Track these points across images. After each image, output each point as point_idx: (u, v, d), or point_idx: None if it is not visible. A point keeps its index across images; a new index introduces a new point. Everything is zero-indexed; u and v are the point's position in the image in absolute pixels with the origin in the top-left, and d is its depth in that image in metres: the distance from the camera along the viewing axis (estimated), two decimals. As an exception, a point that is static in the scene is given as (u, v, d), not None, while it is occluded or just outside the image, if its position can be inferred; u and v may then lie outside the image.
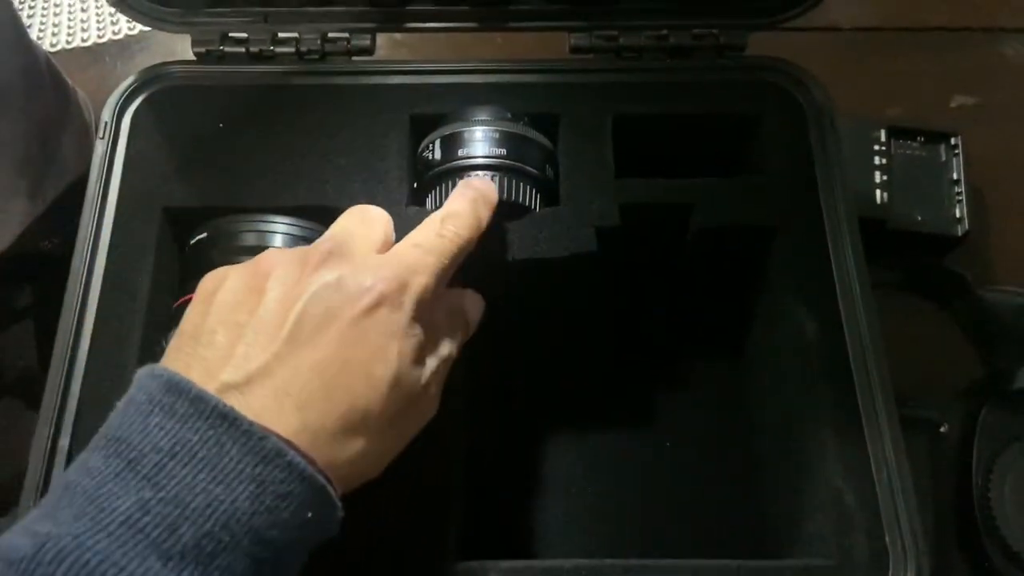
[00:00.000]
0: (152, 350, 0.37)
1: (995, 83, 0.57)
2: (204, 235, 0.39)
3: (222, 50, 0.43)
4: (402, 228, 0.39)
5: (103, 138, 0.40)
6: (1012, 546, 0.37)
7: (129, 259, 0.38)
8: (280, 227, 0.39)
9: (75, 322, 0.36)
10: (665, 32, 0.43)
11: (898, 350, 0.47)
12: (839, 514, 0.34)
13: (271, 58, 0.43)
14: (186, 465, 0.24)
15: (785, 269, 0.39)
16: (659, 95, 0.42)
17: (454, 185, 0.39)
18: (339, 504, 0.27)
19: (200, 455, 0.24)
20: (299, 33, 0.43)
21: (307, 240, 0.39)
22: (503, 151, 0.39)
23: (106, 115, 0.41)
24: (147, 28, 0.60)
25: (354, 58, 0.43)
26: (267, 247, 0.38)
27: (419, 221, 0.38)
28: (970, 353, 0.48)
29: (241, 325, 0.28)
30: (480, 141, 0.40)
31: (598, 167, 0.40)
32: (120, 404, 0.26)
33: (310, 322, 0.28)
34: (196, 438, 0.24)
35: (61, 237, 0.46)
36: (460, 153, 0.39)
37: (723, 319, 0.45)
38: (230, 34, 0.43)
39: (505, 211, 0.39)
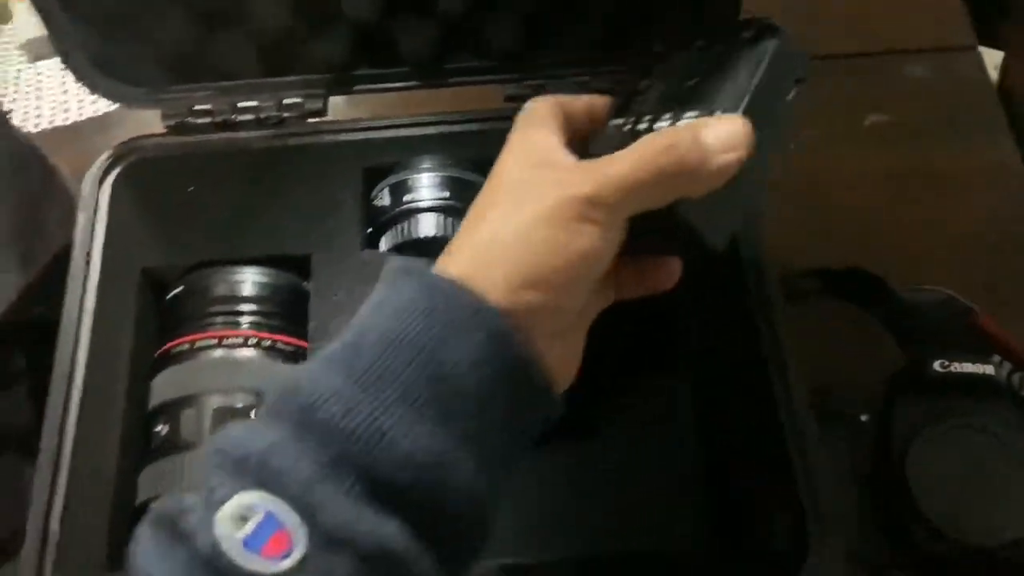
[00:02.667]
0: (135, 397, 0.40)
1: (903, 102, 0.63)
2: (180, 288, 0.43)
3: (189, 122, 0.47)
4: (359, 271, 0.43)
5: (83, 211, 0.44)
6: (931, 520, 0.40)
7: (113, 317, 0.42)
8: (248, 276, 0.43)
9: (67, 370, 0.40)
10: (587, 79, 0.47)
11: (824, 351, 0.52)
12: (762, 503, 0.37)
13: (234, 126, 0.47)
14: (374, 314, 0.26)
15: (698, 272, 0.43)
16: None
17: (405, 228, 0.44)
18: (533, 358, 0.26)
19: (386, 301, 0.27)
20: (258, 102, 0.47)
21: (275, 287, 0.43)
22: (446, 193, 0.44)
23: (85, 188, 0.45)
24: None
25: (309, 120, 0.47)
26: (237, 296, 0.43)
27: (372, 264, 0.43)
28: (893, 350, 0.52)
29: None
30: (425, 186, 0.44)
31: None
32: None
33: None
34: (387, 291, 0.27)
35: (50, 303, 0.49)
36: (406, 199, 0.44)
37: (659, 330, 0.48)
38: (196, 107, 0.47)
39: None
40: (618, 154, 0.28)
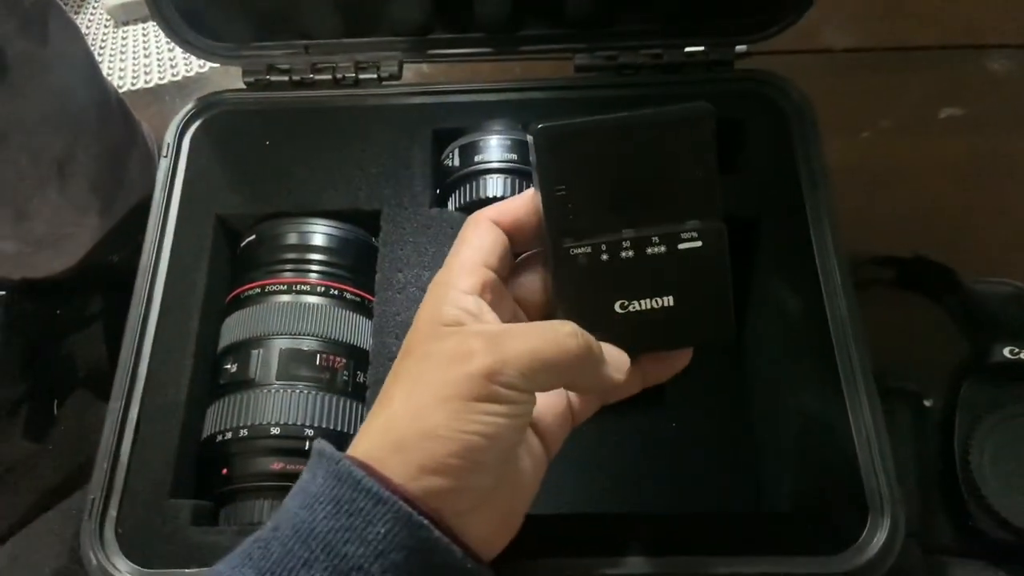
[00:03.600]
0: (206, 338, 0.42)
1: (981, 95, 0.61)
2: (253, 237, 0.44)
3: (268, 79, 0.48)
4: (426, 226, 0.44)
5: (166, 156, 0.46)
6: (992, 505, 0.39)
7: (188, 259, 0.43)
8: (319, 228, 0.44)
9: (143, 310, 0.41)
10: (659, 51, 0.48)
11: (889, 338, 0.51)
12: (824, 470, 0.37)
13: (311, 84, 0.48)
14: (291, 501, 0.27)
15: (770, 256, 0.43)
16: (654, 106, 0.47)
17: (472, 188, 0.44)
18: (441, 541, 0.26)
19: (302, 488, 0.27)
20: (335, 62, 0.48)
21: (344, 240, 0.44)
22: (514, 156, 0.44)
23: (168, 137, 0.47)
24: (203, 70, 0.67)
25: (384, 83, 0.48)
26: (308, 245, 0.44)
27: (441, 220, 0.44)
28: (959, 342, 0.51)
29: None
30: (494, 148, 0.45)
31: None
32: None
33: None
34: (306, 475, 0.28)
35: (127, 252, 0.51)
36: (476, 159, 0.44)
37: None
38: (276, 65, 0.49)
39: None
40: (523, 326, 0.28)
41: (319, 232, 0.44)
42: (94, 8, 0.71)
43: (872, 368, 0.39)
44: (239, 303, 0.42)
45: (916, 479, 0.41)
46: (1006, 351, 0.43)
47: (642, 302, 0.31)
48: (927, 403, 0.44)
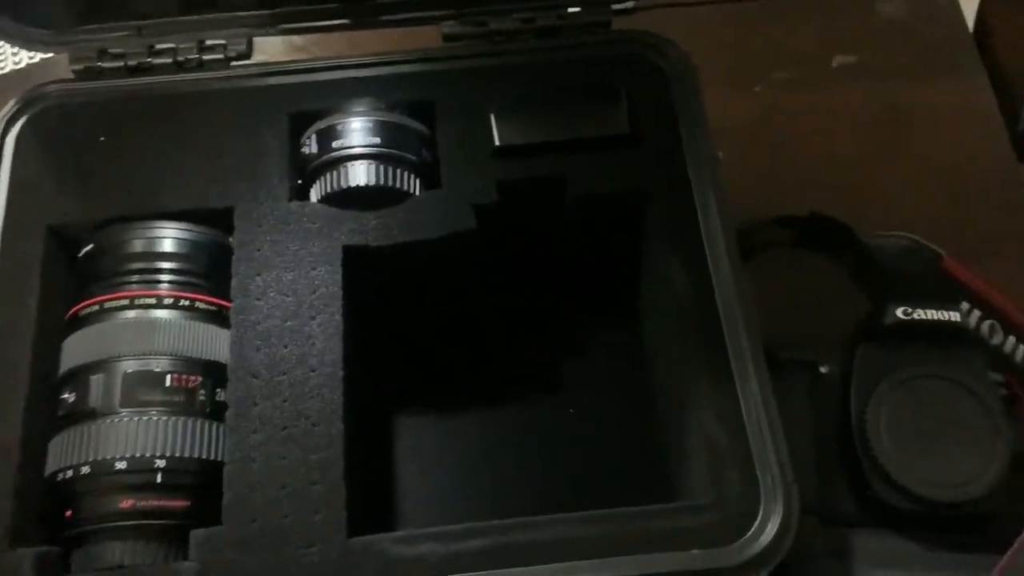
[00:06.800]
0: (43, 365, 0.38)
1: (873, 41, 0.60)
2: (91, 246, 0.40)
3: (100, 66, 0.43)
4: (285, 221, 0.40)
5: (-14, 163, 0.41)
6: (891, 473, 0.38)
7: (16, 277, 0.39)
8: (165, 231, 0.40)
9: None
10: (532, 15, 0.44)
11: (789, 302, 0.50)
12: (714, 456, 0.35)
13: (149, 69, 0.44)
14: None
15: (658, 231, 0.41)
16: (530, 74, 0.44)
17: (335, 176, 0.41)
18: None
19: None
20: (175, 43, 0.44)
21: (194, 243, 0.40)
22: (377, 139, 0.41)
23: (-13, 140, 0.41)
24: (28, 62, 0.61)
25: (232, 64, 0.44)
26: (154, 252, 0.40)
27: (302, 214, 0.40)
28: (861, 302, 0.49)
29: None
30: (355, 131, 0.41)
31: (475, 148, 0.42)
32: None
33: None
34: None
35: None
36: (335, 145, 0.41)
37: (614, 282, 0.46)
38: (107, 49, 0.43)
39: (385, 197, 0.40)
40: None
41: (166, 236, 0.40)
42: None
43: (764, 343, 0.37)
44: (77, 323, 0.38)
45: (814, 451, 0.40)
46: (899, 312, 0.41)
47: None
48: (823, 370, 0.42)
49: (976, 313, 0.47)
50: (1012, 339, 0.46)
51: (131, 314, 0.38)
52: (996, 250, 0.53)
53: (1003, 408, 0.41)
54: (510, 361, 0.47)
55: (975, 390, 0.41)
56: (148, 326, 0.37)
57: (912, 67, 0.59)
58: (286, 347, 0.37)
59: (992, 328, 0.47)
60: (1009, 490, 0.40)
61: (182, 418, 0.36)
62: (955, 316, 0.42)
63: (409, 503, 0.43)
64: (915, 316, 0.41)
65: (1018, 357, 0.46)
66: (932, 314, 0.42)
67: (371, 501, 0.40)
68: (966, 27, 0.61)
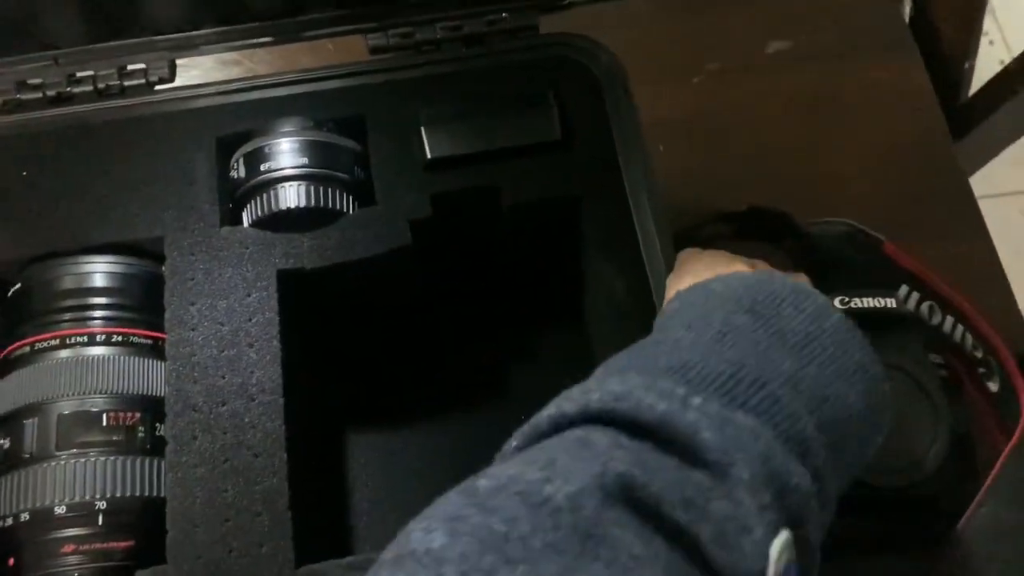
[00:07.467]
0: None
1: (805, 26, 0.60)
2: (18, 285, 0.39)
3: (19, 98, 0.42)
4: (218, 248, 0.40)
5: (-99, 206, 0.40)
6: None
7: (-57, 321, 0.38)
8: (97, 266, 0.39)
9: None
10: (458, 23, 0.44)
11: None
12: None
13: (70, 99, 0.43)
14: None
15: (594, 235, 0.41)
16: (460, 83, 0.43)
17: (266, 200, 0.40)
18: None
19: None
20: (95, 70, 0.43)
21: (125, 276, 0.39)
22: (306, 160, 0.40)
23: (-97, 182, 0.40)
24: None
25: (155, 88, 0.43)
26: (84, 288, 0.39)
27: (234, 240, 0.40)
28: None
29: None
30: (283, 152, 0.40)
31: (407, 162, 0.41)
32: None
33: None
34: None
35: None
36: (263, 168, 0.40)
37: (560, 287, 0.46)
38: (25, 80, 0.42)
39: (318, 218, 0.40)
40: None
41: (95, 271, 0.39)
42: None
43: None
44: (8, 366, 0.37)
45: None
46: (836, 301, 0.42)
47: None
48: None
49: (915, 296, 0.47)
50: (950, 319, 0.47)
51: (64, 353, 0.37)
52: (942, 233, 0.54)
53: (942, 390, 0.42)
54: (461, 373, 0.46)
55: (913, 373, 0.41)
56: (82, 365, 0.37)
57: (846, 50, 0.59)
58: (224, 377, 0.37)
59: (931, 309, 0.48)
60: (955, 468, 0.41)
61: (121, 457, 0.35)
62: (891, 302, 0.42)
63: (363, 523, 0.43)
64: (852, 305, 0.42)
65: (957, 337, 0.46)
66: (869, 301, 0.42)
67: (322, 525, 0.40)
68: (898, 6, 0.62)
